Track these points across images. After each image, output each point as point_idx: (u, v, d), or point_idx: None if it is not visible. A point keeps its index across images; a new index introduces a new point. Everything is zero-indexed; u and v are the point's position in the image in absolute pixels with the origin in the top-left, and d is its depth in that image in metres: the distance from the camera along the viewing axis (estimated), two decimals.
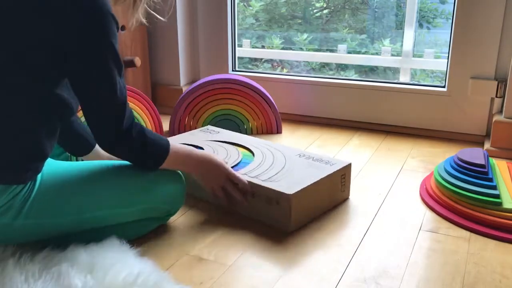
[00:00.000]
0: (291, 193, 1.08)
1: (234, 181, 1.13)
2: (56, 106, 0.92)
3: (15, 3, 0.85)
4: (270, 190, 1.11)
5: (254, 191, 1.13)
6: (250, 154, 1.31)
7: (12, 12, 0.85)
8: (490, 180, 1.17)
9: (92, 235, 0.97)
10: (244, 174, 1.17)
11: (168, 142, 1.03)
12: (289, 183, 1.13)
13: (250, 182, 1.14)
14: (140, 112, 1.63)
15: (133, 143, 0.97)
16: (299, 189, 1.10)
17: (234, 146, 1.36)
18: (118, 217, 1.00)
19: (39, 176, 0.94)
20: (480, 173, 1.19)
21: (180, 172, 1.09)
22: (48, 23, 0.85)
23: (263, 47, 2.33)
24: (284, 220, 1.10)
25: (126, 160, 1.03)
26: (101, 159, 1.13)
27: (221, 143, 1.38)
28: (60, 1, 0.85)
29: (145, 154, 1.00)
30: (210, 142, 1.37)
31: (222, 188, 1.12)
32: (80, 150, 1.15)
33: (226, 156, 1.28)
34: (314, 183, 1.14)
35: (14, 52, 0.86)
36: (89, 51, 0.88)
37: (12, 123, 0.88)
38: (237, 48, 2.03)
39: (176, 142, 1.24)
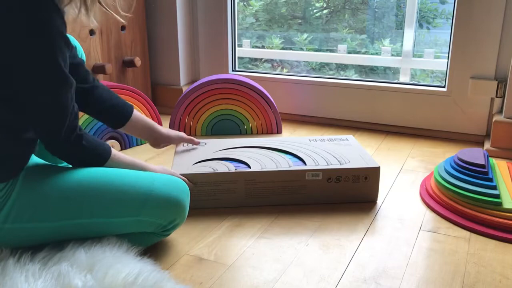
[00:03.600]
0: (377, 165, 1.21)
1: None
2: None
3: None
4: (358, 169, 1.21)
5: (340, 175, 1.20)
6: (284, 153, 1.30)
7: None
8: (490, 180, 1.17)
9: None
10: (318, 165, 1.21)
11: (109, 148, 1.00)
12: (359, 159, 1.25)
13: (334, 170, 1.20)
14: (140, 112, 1.63)
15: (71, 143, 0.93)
16: (375, 161, 1.24)
17: (268, 150, 1.32)
18: (101, 228, 0.94)
19: (20, 176, 0.90)
20: (480, 173, 1.19)
21: (182, 180, 1.02)
22: None
23: (263, 47, 2.33)
24: (372, 191, 1.23)
25: (67, 155, 0.97)
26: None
27: (248, 149, 1.33)
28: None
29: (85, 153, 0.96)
30: (241, 153, 1.30)
31: None
32: (116, 121, 1.14)
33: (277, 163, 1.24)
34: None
35: None
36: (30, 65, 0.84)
37: None
38: (237, 48, 2.03)
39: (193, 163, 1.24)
